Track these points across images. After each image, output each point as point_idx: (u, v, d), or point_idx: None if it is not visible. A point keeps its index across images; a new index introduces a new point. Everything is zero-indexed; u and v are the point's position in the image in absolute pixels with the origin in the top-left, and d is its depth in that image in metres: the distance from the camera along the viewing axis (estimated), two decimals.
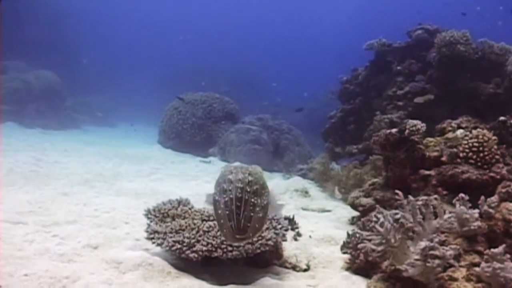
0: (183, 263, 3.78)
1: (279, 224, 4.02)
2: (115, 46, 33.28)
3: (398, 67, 10.31)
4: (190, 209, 4.20)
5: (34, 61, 19.90)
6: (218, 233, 3.66)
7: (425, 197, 2.94)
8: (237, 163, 3.18)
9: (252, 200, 2.83)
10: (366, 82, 10.91)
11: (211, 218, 3.96)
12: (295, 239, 4.93)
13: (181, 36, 30.55)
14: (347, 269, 3.94)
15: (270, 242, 3.76)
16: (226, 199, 2.84)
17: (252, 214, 2.79)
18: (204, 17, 41.43)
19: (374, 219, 2.97)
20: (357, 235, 3.68)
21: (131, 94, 28.23)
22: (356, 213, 6.22)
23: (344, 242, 3.98)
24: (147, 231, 3.88)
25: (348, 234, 3.97)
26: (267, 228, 3.89)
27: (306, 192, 7.97)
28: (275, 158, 13.34)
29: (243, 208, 2.78)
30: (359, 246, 3.17)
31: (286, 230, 4.12)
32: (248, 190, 2.85)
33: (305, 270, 4.17)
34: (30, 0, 23.31)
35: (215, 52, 31.67)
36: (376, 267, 3.62)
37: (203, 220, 3.93)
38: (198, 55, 31.07)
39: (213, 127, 14.70)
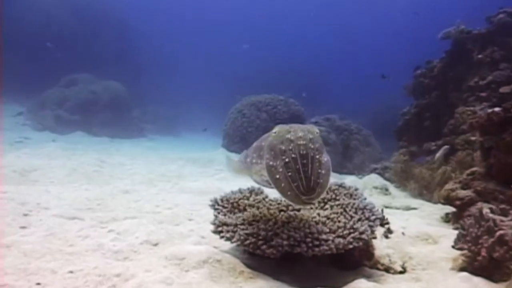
0: (257, 262, 3.13)
1: (373, 214, 3.27)
2: (177, 56, 33.70)
3: (479, 56, 9.39)
4: (264, 198, 3.55)
5: (101, 73, 20.37)
6: (301, 225, 3.00)
7: None
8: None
9: (317, 156, 2.57)
10: (443, 74, 10.12)
11: (290, 207, 3.30)
12: (386, 237, 4.15)
13: (245, 44, 30.25)
14: (461, 269, 3.12)
15: (364, 236, 3.02)
16: (287, 159, 2.56)
17: (319, 170, 2.52)
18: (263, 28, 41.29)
19: None
20: (477, 225, 2.87)
21: (195, 103, 28.42)
22: (449, 209, 5.37)
23: (458, 235, 3.17)
24: (214, 224, 3.25)
25: (461, 225, 3.16)
26: (359, 219, 3.17)
27: (386, 190, 7.13)
28: (344, 160, 12.58)
29: (311, 166, 2.51)
30: (498, 233, 2.38)
31: (377, 225, 3.38)
32: (312, 147, 2.60)
33: (401, 273, 3.42)
34: (95, 15, 24.10)
35: (277, 58, 31.43)
36: (503, 266, 2.82)
37: (280, 211, 3.27)
38: (260, 62, 30.92)
39: None
